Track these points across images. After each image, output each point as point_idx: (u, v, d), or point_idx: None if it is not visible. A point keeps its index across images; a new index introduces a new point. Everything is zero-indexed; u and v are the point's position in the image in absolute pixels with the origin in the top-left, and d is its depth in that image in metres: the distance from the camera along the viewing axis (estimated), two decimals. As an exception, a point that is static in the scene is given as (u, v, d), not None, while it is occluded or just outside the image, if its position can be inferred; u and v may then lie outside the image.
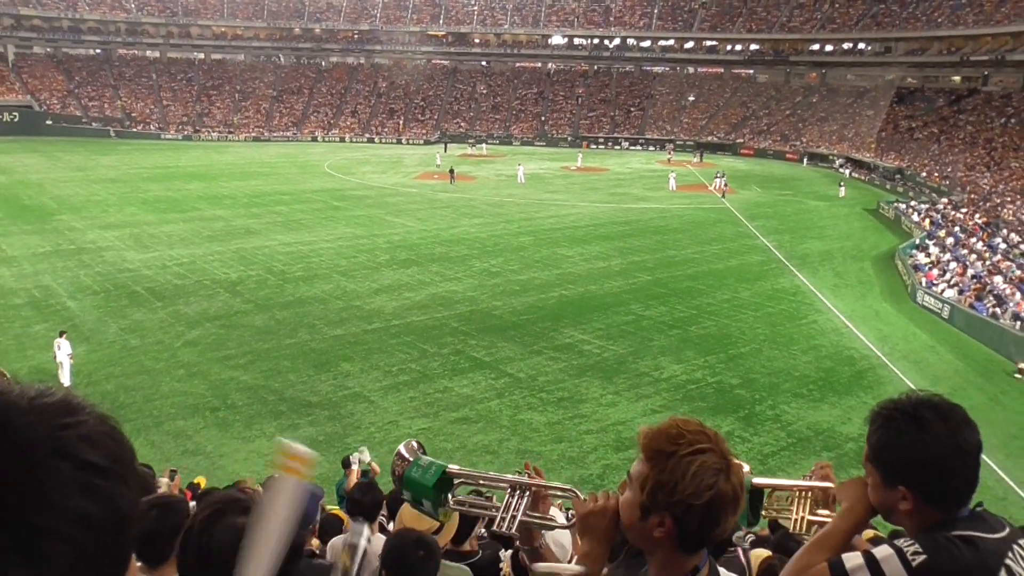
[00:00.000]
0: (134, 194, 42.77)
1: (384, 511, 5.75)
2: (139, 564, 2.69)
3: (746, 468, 2.14)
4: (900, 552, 1.79)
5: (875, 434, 1.97)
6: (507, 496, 2.07)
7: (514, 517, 2.01)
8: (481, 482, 2.21)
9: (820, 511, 2.19)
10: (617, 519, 1.82)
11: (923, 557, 1.77)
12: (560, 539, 3.14)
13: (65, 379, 16.92)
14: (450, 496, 2.16)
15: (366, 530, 3.89)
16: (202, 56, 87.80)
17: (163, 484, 8.57)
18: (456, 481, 2.17)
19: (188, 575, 1.95)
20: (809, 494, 2.22)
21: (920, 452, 1.86)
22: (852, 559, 1.84)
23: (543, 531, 2.11)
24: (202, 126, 78.30)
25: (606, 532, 1.83)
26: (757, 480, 2.23)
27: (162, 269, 26.93)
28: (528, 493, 2.07)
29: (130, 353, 19.09)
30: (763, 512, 2.31)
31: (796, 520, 2.20)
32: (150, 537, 2.58)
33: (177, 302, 23.20)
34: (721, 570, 1.91)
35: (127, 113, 78.09)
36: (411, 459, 2.20)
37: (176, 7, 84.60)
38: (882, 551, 1.82)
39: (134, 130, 75.96)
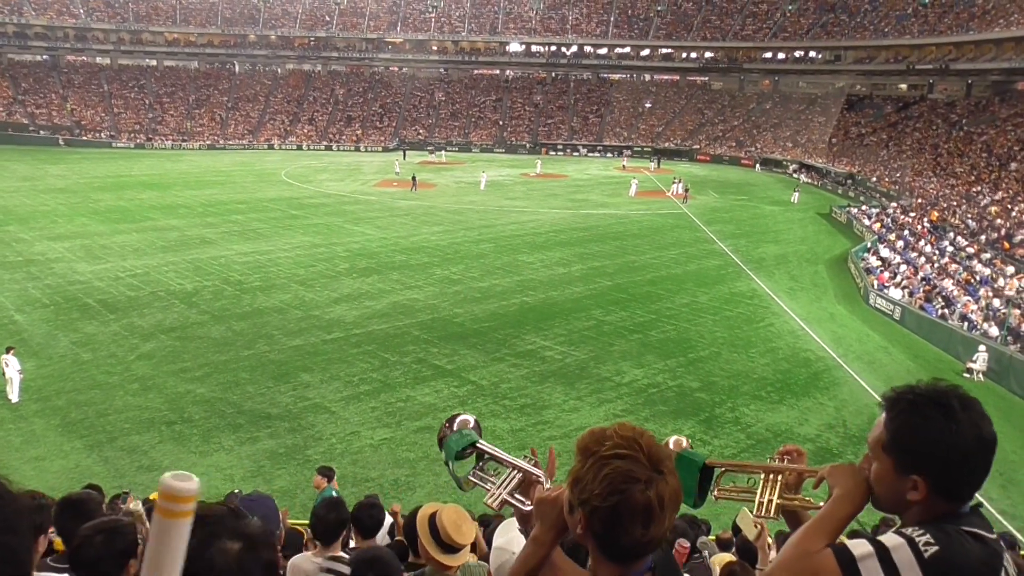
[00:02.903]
0: (85, 204, 41.75)
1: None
2: None
3: (684, 442, 2.31)
4: (912, 542, 1.73)
5: (896, 419, 1.88)
6: (505, 476, 2.28)
7: (499, 495, 2.22)
8: (496, 459, 2.40)
9: (789, 495, 2.14)
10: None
11: (935, 548, 1.70)
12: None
13: (14, 396, 16.43)
14: (470, 470, 2.42)
15: None
16: (154, 63, 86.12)
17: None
18: (486, 455, 2.42)
19: None
20: (780, 477, 2.16)
21: (946, 441, 1.78)
22: (859, 546, 1.77)
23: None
24: (155, 134, 76.77)
25: (555, 520, 1.89)
26: (712, 460, 2.24)
27: (115, 281, 26.31)
28: (519, 476, 2.26)
29: (82, 367, 18.60)
30: (714, 494, 2.28)
31: (762, 503, 2.14)
32: (96, 562, 2.51)
33: (131, 314, 22.68)
34: None
35: (76, 121, 76.25)
36: (455, 429, 2.46)
37: (127, 13, 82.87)
38: (892, 539, 1.75)
39: (84, 138, 74.13)
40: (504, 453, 2.38)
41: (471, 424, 2.50)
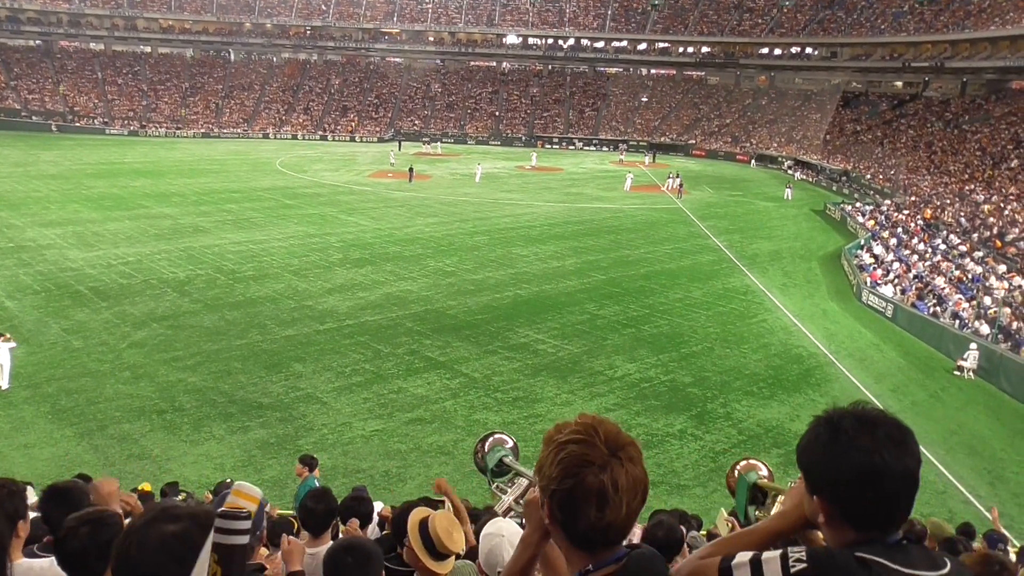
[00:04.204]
0: (77, 191, 41.51)
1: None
2: None
3: (763, 469, 2.42)
4: (784, 556, 1.72)
5: (802, 438, 1.85)
6: (516, 485, 2.47)
7: (508, 502, 2.39)
8: (516, 471, 2.61)
9: None
10: None
11: (803, 566, 1.68)
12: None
13: (4, 382, 16.35)
14: (497, 480, 2.65)
15: None
16: (149, 50, 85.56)
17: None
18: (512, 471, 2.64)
19: None
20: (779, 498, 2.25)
21: (828, 464, 1.74)
22: (741, 556, 1.78)
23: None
24: (149, 121, 76.34)
25: (541, 521, 1.90)
26: (763, 482, 2.36)
27: (107, 268, 26.19)
28: (526, 483, 2.44)
29: (73, 355, 18.52)
30: (758, 513, 2.36)
31: None
32: (81, 554, 2.49)
33: (123, 302, 22.58)
34: None
35: (70, 107, 75.73)
36: (488, 450, 2.68)
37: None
38: (770, 553, 1.75)
39: (77, 125, 73.69)
40: (520, 466, 2.58)
41: (509, 444, 2.72)
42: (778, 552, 1.74)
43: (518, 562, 1.97)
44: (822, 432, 1.78)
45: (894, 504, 1.72)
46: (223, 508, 1.59)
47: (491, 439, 2.70)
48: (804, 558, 1.70)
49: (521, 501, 2.35)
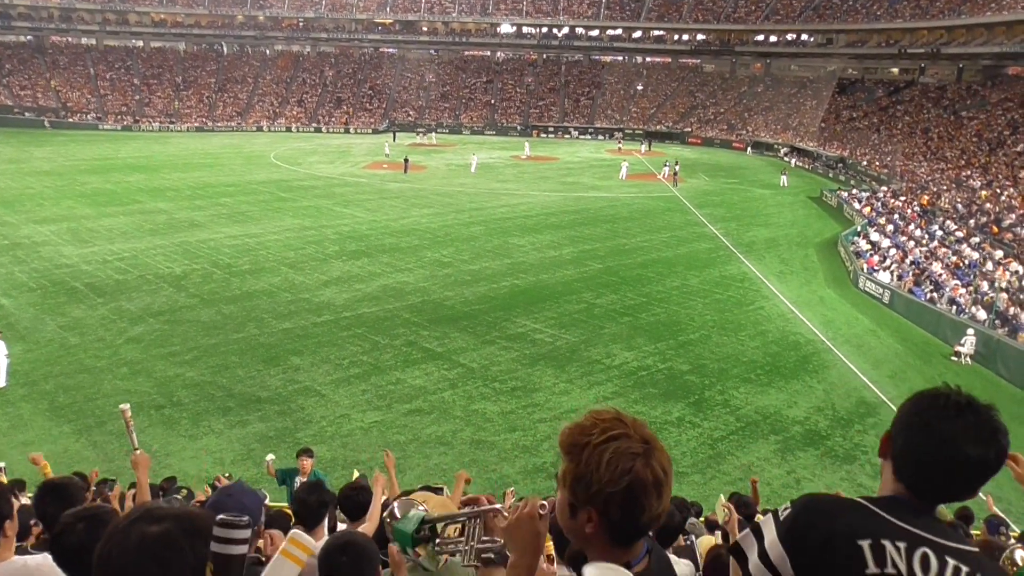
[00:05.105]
0: (71, 187, 41.33)
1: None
2: None
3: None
4: (774, 512, 1.92)
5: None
6: (468, 529, 2.20)
7: (472, 548, 2.14)
8: (451, 520, 2.34)
9: None
10: (537, 525, 1.83)
11: (788, 512, 1.87)
12: None
13: (1, 380, 16.31)
14: (430, 545, 2.37)
15: None
16: (141, 44, 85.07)
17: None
18: (439, 524, 2.36)
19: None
20: None
21: (900, 420, 1.91)
22: (742, 533, 1.98)
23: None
24: (142, 116, 76.00)
25: (529, 541, 1.84)
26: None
27: (102, 264, 26.11)
28: (479, 521, 2.18)
29: (69, 351, 18.47)
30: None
31: None
32: (78, 550, 2.46)
33: (119, 298, 22.52)
34: (673, 558, 1.95)
35: (63, 103, 75.34)
36: (399, 515, 2.42)
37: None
38: (761, 516, 1.99)
39: (70, 120, 73.31)
40: (451, 510, 2.36)
41: (416, 504, 2.48)
42: (769, 513, 1.94)
43: None
44: (924, 395, 1.92)
45: (946, 481, 1.85)
46: (222, 516, 1.56)
47: (396, 506, 2.44)
48: (788, 506, 1.90)
49: (486, 538, 2.16)
